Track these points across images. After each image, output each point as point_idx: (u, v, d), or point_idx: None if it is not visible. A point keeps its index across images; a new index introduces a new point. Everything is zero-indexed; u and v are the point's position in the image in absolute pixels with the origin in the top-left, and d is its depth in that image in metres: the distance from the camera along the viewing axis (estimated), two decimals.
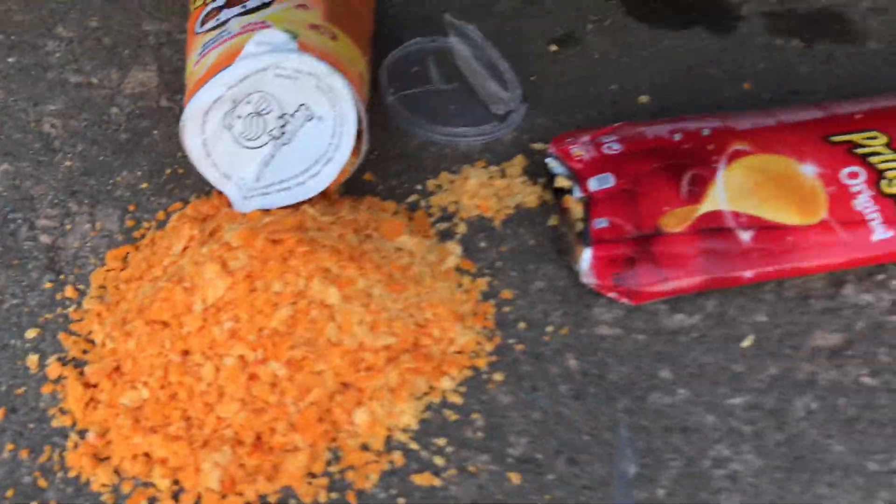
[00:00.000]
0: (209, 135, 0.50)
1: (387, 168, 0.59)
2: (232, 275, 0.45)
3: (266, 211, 0.50)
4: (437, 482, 0.45)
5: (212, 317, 0.45)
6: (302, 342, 0.45)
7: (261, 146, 0.51)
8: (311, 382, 0.45)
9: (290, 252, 0.46)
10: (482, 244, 0.56)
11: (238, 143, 0.51)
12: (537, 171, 0.60)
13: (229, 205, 0.52)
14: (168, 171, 0.58)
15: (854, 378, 0.51)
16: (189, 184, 0.57)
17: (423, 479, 0.45)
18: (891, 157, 0.54)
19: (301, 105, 0.50)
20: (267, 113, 0.50)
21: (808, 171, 0.53)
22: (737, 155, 0.54)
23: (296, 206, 0.50)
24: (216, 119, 0.50)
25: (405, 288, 0.48)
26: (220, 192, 0.53)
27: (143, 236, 0.54)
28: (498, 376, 0.49)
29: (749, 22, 0.71)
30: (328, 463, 0.45)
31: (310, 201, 0.51)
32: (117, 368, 0.45)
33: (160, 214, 0.55)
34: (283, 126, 0.51)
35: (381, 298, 0.47)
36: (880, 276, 0.56)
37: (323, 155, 0.50)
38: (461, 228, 0.56)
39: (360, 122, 0.51)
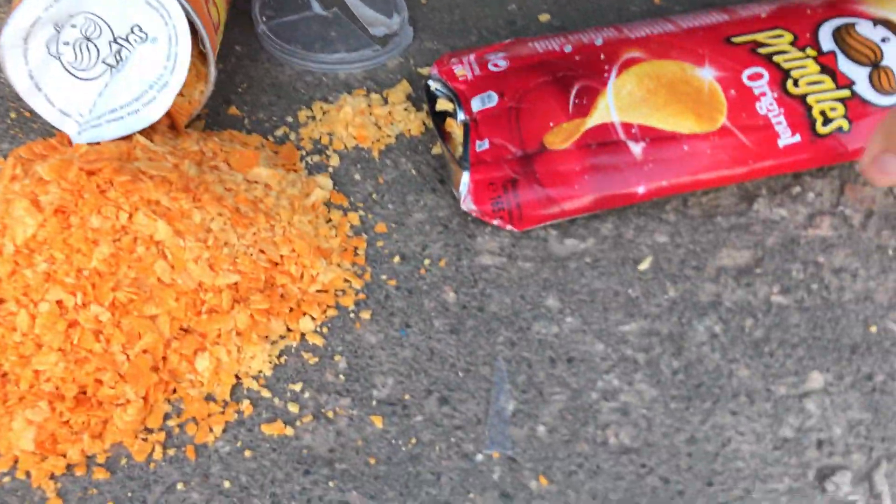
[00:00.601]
0: (34, 65, 0.45)
1: (256, 101, 0.54)
2: (42, 210, 0.40)
3: (90, 144, 0.45)
4: (289, 431, 0.41)
5: (24, 259, 0.40)
6: (127, 283, 0.40)
7: (97, 76, 0.46)
8: (142, 327, 0.40)
9: (109, 183, 0.41)
10: (357, 176, 0.51)
11: (71, 74, 0.46)
12: (422, 98, 0.55)
13: (70, 145, 0.47)
14: (13, 114, 0.53)
15: (763, 297, 0.47)
16: (36, 128, 0.52)
17: (273, 429, 0.41)
18: (797, 55, 0.49)
19: (133, 26, 0.45)
20: (97, 37, 0.45)
21: (706, 74, 0.49)
22: (628, 63, 0.49)
23: (128, 138, 0.45)
24: (39, 46, 0.45)
25: (254, 221, 0.43)
26: (62, 132, 0.48)
27: None
28: (365, 314, 0.45)
29: None
30: (167, 416, 0.41)
31: (147, 132, 0.46)
32: None
33: (1, 161, 0.50)
34: (118, 52, 0.46)
35: (223, 233, 0.42)
36: (796, 189, 0.51)
37: (158, 79, 0.45)
38: (334, 161, 0.51)
39: (202, 42, 0.46)
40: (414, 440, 0.40)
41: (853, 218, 0.50)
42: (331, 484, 0.39)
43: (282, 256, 0.44)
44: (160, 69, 0.45)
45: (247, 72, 0.56)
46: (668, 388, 0.43)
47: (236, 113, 0.53)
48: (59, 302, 0.39)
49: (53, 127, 0.48)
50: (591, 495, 0.40)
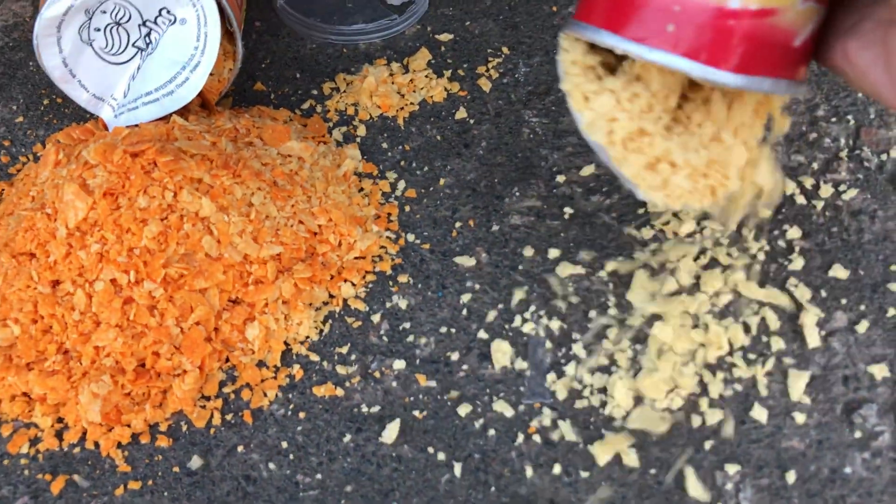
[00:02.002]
0: (68, 52, 0.47)
1: (280, 76, 0.55)
2: (91, 194, 0.41)
3: (130, 127, 0.46)
4: (339, 392, 0.43)
5: (77, 241, 0.41)
6: (177, 259, 0.42)
7: (128, 60, 0.48)
8: (193, 301, 0.42)
9: (152, 164, 0.42)
10: (384, 145, 0.52)
11: (103, 59, 0.47)
12: (443, 64, 0.56)
13: (107, 128, 0.49)
14: (46, 101, 0.54)
15: (786, 242, 0.48)
16: (69, 113, 0.53)
17: (324, 391, 0.42)
18: None
19: (162, 9, 0.46)
20: (127, 22, 0.46)
21: None
22: None
23: (165, 119, 0.47)
24: (72, 33, 0.46)
25: (292, 194, 0.45)
26: (96, 117, 0.50)
27: (19, 171, 0.50)
28: (403, 278, 0.46)
29: None
30: (222, 384, 0.43)
31: (182, 112, 0.47)
32: None
33: (37, 147, 0.52)
34: (147, 35, 0.47)
35: (264, 206, 0.44)
36: (812, 136, 0.52)
37: (189, 60, 0.47)
38: (361, 131, 0.53)
39: (228, 22, 0.47)
40: (458, 394, 0.42)
41: (870, 161, 0.51)
42: (382, 439, 0.41)
43: (320, 226, 0.46)
44: (191, 50, 0.47)
45: (269, 48, 0.57)
46: None
47: (262, 88, 0.55)
48: (113, 280, 0.41)
49: (88, 112, 0.50)
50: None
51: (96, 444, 0.40)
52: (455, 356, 0.44)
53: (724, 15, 0.32)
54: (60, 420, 0.41)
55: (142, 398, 0.41)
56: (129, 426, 0.41)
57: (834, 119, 0.53)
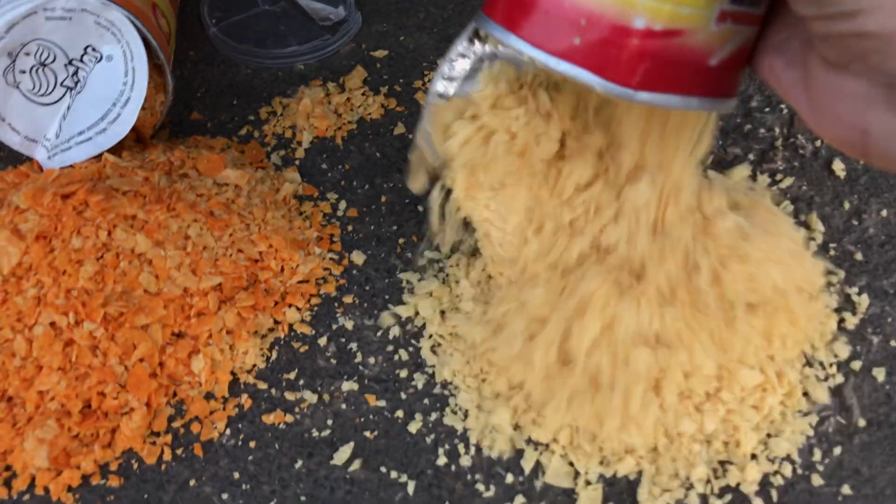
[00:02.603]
0: None
1: (216, 103, 0.55)
2: (24, 238, 0.41)
3: (61, 168, 0.46)
4: (289, 418, 0.42)
5: (12, 287, 0.41)
6: (115, 297, 0.41)
7: (58, 100, 0.47)
8: (136, 338, 0.41)
9: (84, 204, 0.42)
10: (324, 166, 0.52)
11: (32, 101, 0.47)
12: (379, 81, 0.56)
13: (41, 170, 0.48)
14: None
15: None
16: (3, 156, 0.53)
17: (274, 418, 0.42)
18: None
19: (87, 47, 0.46)
20: (52, 62, 0.46)
21: None
22: None
23: (98, 157, 0.47)
24: None
25: (229, 223, 0.45)
26: (30, 160, 0.49)
27: None
28: (348, 299, 0.46)
29: None
30: (171, 419, 0.42)
31: (116, 148, 0.47)
32: None
33: None
34: (74, 74, 0.47)
35: (201, 238, 0.44)
36: (747, 127, 0.53)
37: (120, 96, 0.46)
38: (299, 153, 0.53)
39: (155, 55, 0.47)
40: (405, 412, 0.42)
41: (805, 148, 0.52)
42: (334, 462, 0.41)
43: (260, 253, 0.46)
44: (120, 86, 0.46)
45: (203, 76, 0.57)
46: None
47: (198, 118, 0.55)
48: (52, 324, 0.41)
49: (22, 155, 0.49)
50: None
51: (46, 490, 0.40)
52: (403, 373, 0.44)
53: (629, 33, 0.32)
54: (8, 468, 0.41)
55: (90, 439, 0.41)
56: (78, 468, 0.40)
57: (767, 109, 0.54)
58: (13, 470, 0.41)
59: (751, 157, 0.51)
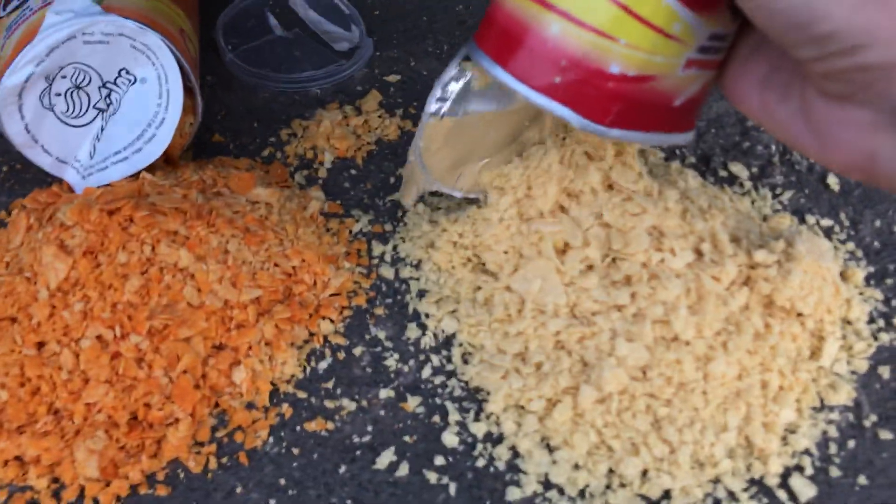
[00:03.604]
0: (30, 119, 0.47)
1: (237, 126, 0.57)
2: (71, 253, 0.42)
3: (100, 187, 0.47)
4: (330, 426, 0.44)
5: (59, 301, 0.42)
6: (160, 310, 0.43)
7: (89, 122, 0.49)
8: (179, 350, 0.43)
9: (129, 220, 0.43)
10: (346, 184, 0.54)
11: (65, 123, 0.48)
12: (394, 104, 0.58)
13: (71, 190, 0.49)
14: (5, 168, 0.54)
15: None
16: (29, 178, 0.54)
17: (315, 425, 0.44)
18: None
19: (121, 70, 0.48)
20: (87, 85, 0.48)
21: None
22: None
23: (135, 176, 0.48)
24: (33, 101, 0.47)
25: (264, 238, 0.46)
26: (60, 180, 0.50)
27: None
28: (379, 310, 0.48)
29: None
30: (214, 429, 0.43)
31: (150, 168, 0.48)
32: None
33: (2, 214, 0.52)
34: (107, 96, 0.48)
35: (240, 252, 0.45)
36: (745, 144, 0.56)
37: (154, 117, 0.48)
38: (322, 173, 0.54)
39: (187, 77, 0.49)
40: (442, 417, 0.44)
41: (801, 164, 0.55)
42: (376, 466, 0.42)
43: (294, 267, 0.47)
44: (154, 107, 0.48)
45: (222, 100, 0.58)
46: None
47: (221, 140, 0.56)
48: (99, 337, 0.42)
49: (49, 176, 0.50)
50: None
51: (95, 500, 0.41)
52: (438, 380, 0.45)
53: (605, 77, 0.35)
54: (56, 480, 0.41)
55: (136, 450, 0.42)
56: (126, 478, 0.41)
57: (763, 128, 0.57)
58: (61, 482, 0.41)
59: (753, 170, 0.54)
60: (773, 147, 0.56)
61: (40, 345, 0.42)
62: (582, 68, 0.35)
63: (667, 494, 0.42)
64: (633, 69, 0.35)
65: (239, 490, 0.42)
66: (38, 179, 0.54)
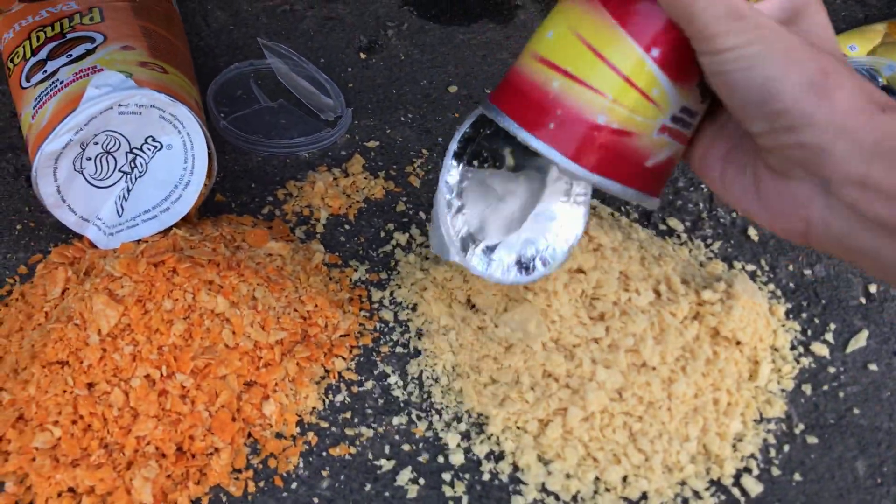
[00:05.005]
0: (62, 181, 0.52)
1: (235, 186, 0.63)
2: (121, 302, 0.47)
3: (136, 242, 0.52)
4: (352, 450, 0.49)
5: (110, 345, 0.47)
6: (202, 351, 0.48)
7: (114, 184, 0.53)
8: (219, 387, 0.48)
9: (173, 271, 0.48)
10: (342, 238, 0.60)
11: (91, 184, 0.53)
12: (376, 167, 0.65)
13: (93, 246, 0.54)
14: (19, 226, 0.58)
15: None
16: (43, 235, 0.58)
17: (339, 451, 0.49)
18: None
19: (147, 137, 0.53)
20: (115, 150, 0.52)
21: None
22: None
23: (164, 232, 0.53)
24: (67, 165, 0.51)
25: (284, 286, 0.52)
26: (79, 237, 0.55)
27: (8, 293, 0.54)
28: (384, 348, 0.54)
29: (525, 10, 0.80)
30: (249, 457, 0.48)
31: (175, 225, 0.53)
32: (20, 417, 0.46)
33: (21, 269, 0.56)
34: (132, 161, 0.53)
35: (266, 299, 0.51)
36: (678, 203, 0.66)
37: (180, 180, 0.53)
38: (319, 228, 0.61)
39: (208, 144, 0.54)
40: (449, 438, 0.51)
41: (725, 218, 0.65)
42: (398, 482, 0.48)
43: (308, 312, 0.53)
44: (180, 171, 0.53)
45: (219, 163, 0.64)
46: None
47: (222, 199, 0.62)
48: (147, 376, 0.47)
49: (64, 232, 0.55)
50: None
51: None
52: (440, 405, 0.52)
53: (592, 127, 0.42)
54: None
55: (181, 478, 0.46)
56: (175, 503, 0.46)
57: (692, 188, 0.67)
58: None
59: (687, 224, 0.64)
60: (701, 205, 0.66)
61: (91, 385, 0.46)
62: (573, 117, 0.41)
63: (644, 496, 0.49)
64: (616, 123, 0.41)
65: None
66: (51, 236, 0.58)
